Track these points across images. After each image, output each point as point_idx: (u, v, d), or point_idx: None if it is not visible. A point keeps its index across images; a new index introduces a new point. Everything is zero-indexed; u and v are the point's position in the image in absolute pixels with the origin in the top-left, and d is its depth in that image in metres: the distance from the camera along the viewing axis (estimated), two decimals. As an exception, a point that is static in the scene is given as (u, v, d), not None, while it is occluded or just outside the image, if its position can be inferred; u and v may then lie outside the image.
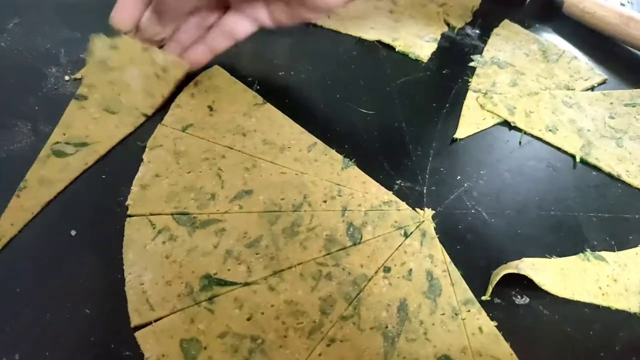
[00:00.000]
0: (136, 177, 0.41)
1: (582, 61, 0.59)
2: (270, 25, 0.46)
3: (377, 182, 0.44)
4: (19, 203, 0.39)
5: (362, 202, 0.42)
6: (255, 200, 0.41)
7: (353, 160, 0.44)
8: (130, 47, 0.46)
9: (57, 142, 0.43)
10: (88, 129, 0.44)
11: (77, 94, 0.46)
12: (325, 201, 0.41)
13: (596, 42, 0.63)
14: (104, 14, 0.52)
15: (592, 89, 0.56)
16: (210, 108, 0.47)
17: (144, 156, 0.42)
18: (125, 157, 0.43)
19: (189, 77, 0.49)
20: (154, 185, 0.41)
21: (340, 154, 0.45)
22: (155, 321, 0.34)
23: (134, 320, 0.34)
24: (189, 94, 0.48)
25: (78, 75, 0.49)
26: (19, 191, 0.39)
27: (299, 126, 0.47)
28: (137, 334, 0.33)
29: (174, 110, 0.47)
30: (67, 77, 0.49)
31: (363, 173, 0.44)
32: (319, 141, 0.46)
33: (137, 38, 0.45)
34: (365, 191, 0.43)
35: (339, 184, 0.43)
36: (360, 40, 0.58)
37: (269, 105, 0.48)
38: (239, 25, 0.46)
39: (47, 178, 0.40)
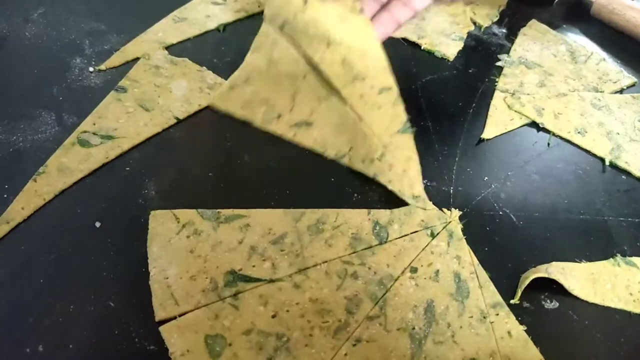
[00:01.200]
0: (231, 76, 0.42)
1: (611, 63, 0.58)
2: None
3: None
4: (34, 188, 0.39)
5: (393, 180, 0.42)
6: (310, 134, 0.42)
7: (414, 128, 0.41)
8: (187, 66, 0.49)
9: (85, 131, 0.43)
10: (119, 122, 0.44)
11: (118, 85, 0.46)
12: (363, 161, 0.42)
13: (625, 44, 0.62)
14: (129, 6, 0.52)
15: (621, 91, 0.55)
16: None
17: (247, 57, 0.41)
18: (149, 151, 0.43)
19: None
20: (239, 89, 0.42)
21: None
22: (180, 316, 0.33)
23: (159, 315, 0.33)
24: None
25: (102, 67, 0.48)
26: (36, 175, 0.39)
27: (384, 58, 0.40)
28: (162, 329, 0.33)
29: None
30: (91, 69, 0.48)
31: (414, 146, 0.41)
32: (395, 87, 0.41)
33: None
34: (403, 169, 0.42)
35: (386, 147, 0.41)
36: (385, 38, 0.58)
37: (363, 17, 0.41)
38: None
39: (66, 166, 0.40)
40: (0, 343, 0.32)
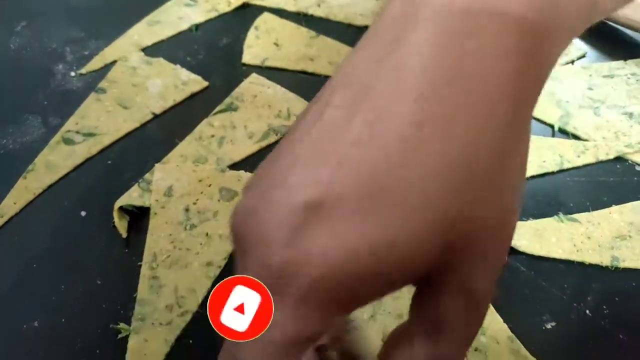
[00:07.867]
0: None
1: (563, 36, 0.61)
2: None
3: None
4: (24, 184, 0.43)
5: None
6: None
7: None
8: (162, 65, 0.53)
9: (69, 131, 0.46)
10: (99, 120, 0.47)
11: (97, 87, 0.50)
12: None
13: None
14: (106, 13, 0.55)
15: (572, 63, 0.58)
16: (276, 44, 0.56)
17: None
18: (129, 146, 0.47)
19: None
20: None
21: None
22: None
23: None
24: (254, 37, 0.56)
25: (83, 71, 0.52)
26: (26, 173, 0.43)
27: None
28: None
29: (247, 50, 0.55)
30: (73, 73, 0.52)
31: None
32: None
33: None
34: None
35: None
36: (349, 27, 0.61)
37: (323, 37, 0.57)
38: None
39: (53, 163, 0.44)
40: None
